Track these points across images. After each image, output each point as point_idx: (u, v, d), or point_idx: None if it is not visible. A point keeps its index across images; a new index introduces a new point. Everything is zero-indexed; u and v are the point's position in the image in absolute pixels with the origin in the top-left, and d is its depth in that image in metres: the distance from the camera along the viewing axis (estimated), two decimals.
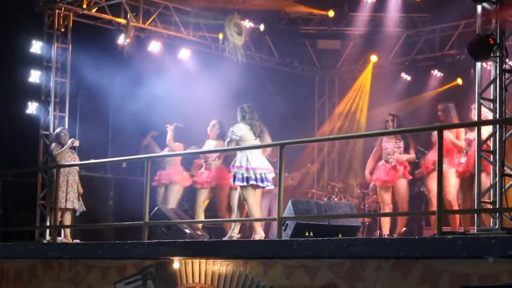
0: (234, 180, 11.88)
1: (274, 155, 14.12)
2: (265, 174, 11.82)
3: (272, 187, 12.08)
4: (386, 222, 12.98)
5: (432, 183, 11.70)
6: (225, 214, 13.85)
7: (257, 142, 12.01)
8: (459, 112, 12.27)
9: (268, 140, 12.57)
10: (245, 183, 11.73)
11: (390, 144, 12.93)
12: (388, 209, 12.93)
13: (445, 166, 11.76)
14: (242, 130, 12.00)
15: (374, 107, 19.58)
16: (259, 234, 11.74)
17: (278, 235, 9.72)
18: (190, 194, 15.36)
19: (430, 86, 19.34)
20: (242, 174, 11.73)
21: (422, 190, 14.29)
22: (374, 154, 13.22)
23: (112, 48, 16.74)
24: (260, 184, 11.79)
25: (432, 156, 11.97)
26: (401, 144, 12.85)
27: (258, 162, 11.81)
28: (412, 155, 12.90)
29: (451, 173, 11.86)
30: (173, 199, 14.62)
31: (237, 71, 17.25)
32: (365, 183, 16.73)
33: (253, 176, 11.73)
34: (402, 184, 12.88)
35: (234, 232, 11.82)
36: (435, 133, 11.40)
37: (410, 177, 13.13)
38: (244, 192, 11.82)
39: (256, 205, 11.97)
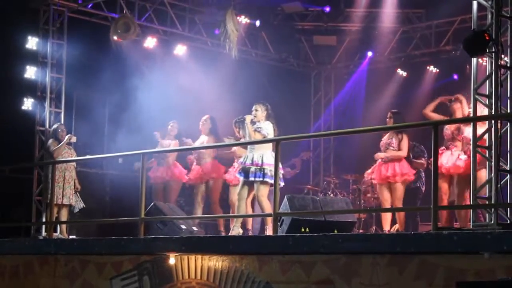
0: (263, 177, 11.79)
1: None
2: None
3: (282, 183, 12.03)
4: (386, 218, 12.94)
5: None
6: (217, 208, 13.84)
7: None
8: None
9: None
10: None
11: (384, 141, 12.94)
12: (387, 205, 12.89)
13: None
14: (270, 129, 11.88)
15: (370, 103, 19.59)
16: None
17: (273, 231, 9.73)
18: (186, 190, 15.35)
19: (426, 82, 19.36)
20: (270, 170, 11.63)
21: (418, 185, 14.28)
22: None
23: (108, 43, 16.73)
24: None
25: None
26: (393, 140, 12.79)
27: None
28: (395, 152, 12.74)
29: None
30: (174, 195, 14.59)
31: (232, 67, 17.26)
32: (360, 179, 16.74)
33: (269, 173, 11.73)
34: (399, 188, 12.80)
35: (237, 227, 11.91)
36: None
37: (410, 179, 13.10)
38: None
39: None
